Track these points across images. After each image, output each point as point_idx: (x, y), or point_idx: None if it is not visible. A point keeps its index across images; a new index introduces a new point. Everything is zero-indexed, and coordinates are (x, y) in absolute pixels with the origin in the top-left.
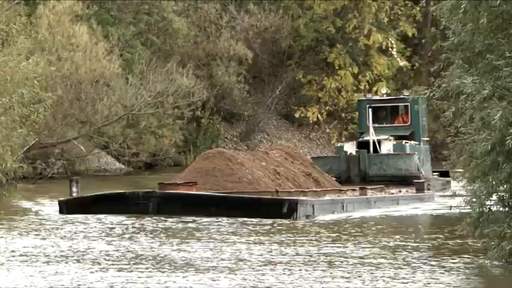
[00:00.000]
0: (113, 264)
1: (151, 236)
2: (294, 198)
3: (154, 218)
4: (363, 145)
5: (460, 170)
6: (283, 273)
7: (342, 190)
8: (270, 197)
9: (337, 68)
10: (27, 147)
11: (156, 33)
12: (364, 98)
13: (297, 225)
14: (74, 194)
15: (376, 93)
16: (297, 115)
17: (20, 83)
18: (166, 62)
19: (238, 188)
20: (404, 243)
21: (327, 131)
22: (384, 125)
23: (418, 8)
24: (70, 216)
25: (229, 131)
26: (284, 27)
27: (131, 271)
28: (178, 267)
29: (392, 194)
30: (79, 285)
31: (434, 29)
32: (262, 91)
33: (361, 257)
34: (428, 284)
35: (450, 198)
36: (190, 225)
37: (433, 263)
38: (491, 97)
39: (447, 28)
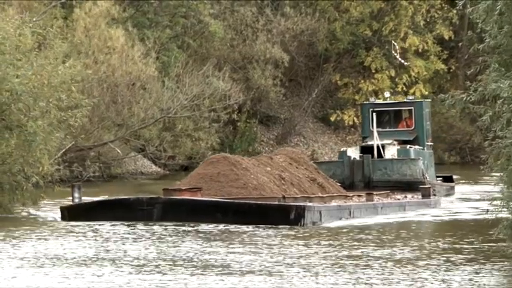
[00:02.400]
0: (150, 267)
1: (188, 239)
2: (301, 204)
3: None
4: (366, 150)
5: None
6: (323, 276)
7: (348, 196)
8: (276, 203)
9: (373, 71)
10: (64, 150)
11: (193, 36)
12: (368, 102)
13: (323, 230)
14: (76, 200)
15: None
16: (332, 119)
17: (57, 86)
18: (203, 65)
19: (243, 193)
20: (435, 246)
21: None
22: (388, 129)
23: (454, 11)
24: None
25: (265, 134)
26: (320, 30)
27: (170, 273)
28: (216, 270)
29: (398, 199)
30: (119, 285)
31: (470, 32)
32: (298, 94)
33: (397, 260)
34: (468, 285)
35: (456, 203)
36: (222, 228)
37: (471, 265)
38: None
39: (483, 31)
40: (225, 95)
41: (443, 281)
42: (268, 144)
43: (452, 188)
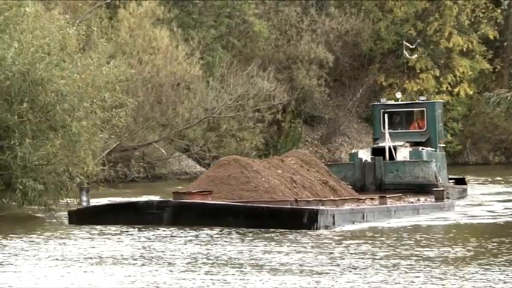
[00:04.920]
0: (193, 266)
1: (228, 240)
2: (314, 208)
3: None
4: (378, 152)
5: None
6: (369, 274)
7: (361, 199)
8: (289, 206)
9: (418, 71)
10: (108, 150)
11: (237, 36)
12: (379, 103)
13: (361, 232)
14: (84, 203)
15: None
16: None
17: (101, 87)
18: (247, 65)
19: (255, 197)
20: (475, 247)
21: None
22: (399, 130)
23: (499, 11)
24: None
25: (310, 134)
26: (365, 30)
27: (211, 273)
28: (261, 270)
29: (412, 203)
30: (161, 284)
31: None
32: (343, 94)
33: (439, 260)
34: None
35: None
36: (264, 230)
37: None
38: None
39: None
40: (269, 95)
41: (488, 280)
42: (313, 145)
43: (465, 190)
